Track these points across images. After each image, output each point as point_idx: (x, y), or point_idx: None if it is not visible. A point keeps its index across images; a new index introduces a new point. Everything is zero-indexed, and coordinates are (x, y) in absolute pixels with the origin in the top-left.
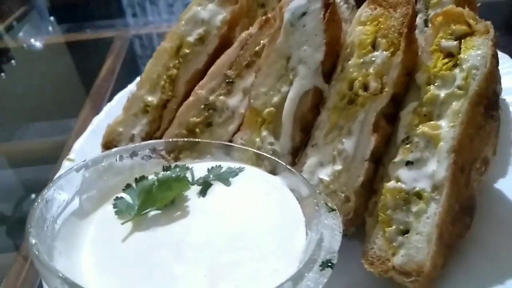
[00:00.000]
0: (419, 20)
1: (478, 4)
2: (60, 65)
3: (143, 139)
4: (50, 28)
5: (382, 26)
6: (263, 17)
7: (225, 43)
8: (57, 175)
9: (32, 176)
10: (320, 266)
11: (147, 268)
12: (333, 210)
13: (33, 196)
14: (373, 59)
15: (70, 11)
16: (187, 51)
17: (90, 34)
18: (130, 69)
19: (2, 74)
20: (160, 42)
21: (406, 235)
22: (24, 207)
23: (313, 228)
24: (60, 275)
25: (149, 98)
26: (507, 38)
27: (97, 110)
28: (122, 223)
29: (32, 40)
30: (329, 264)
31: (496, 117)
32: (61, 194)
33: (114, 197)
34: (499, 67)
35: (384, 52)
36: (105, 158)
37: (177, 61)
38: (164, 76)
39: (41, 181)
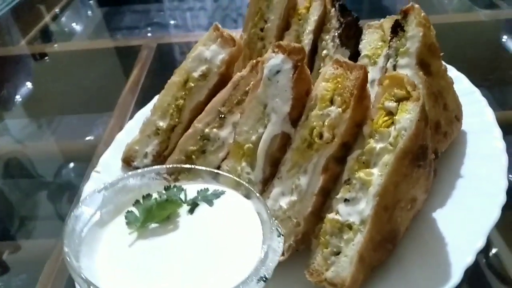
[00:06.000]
0: (389, 65)
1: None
2: (88, 70)
3: (154, 157)
4: (90, 13)
5: (339, 85)
6: (253, 61)
7: (223, 79)
8: (86, 185)
9: (68, 172)
10: (257, 280)
11: (143, 267)
12: (280, 235)
13: (67, 188)
14: (329, 113)
15: None
16: (192, 85)
17: (120, 42)
18: (154, 79)
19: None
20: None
21: (337, 256)
22: (62, 202)
23: (263, 248)
24: (82, 276)
25: (160, 123)
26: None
27: (122, 120)
28: (130, 233)
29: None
30: (264, 279)
31: (424, 165)
32: (86, 210)
33: (126, 211)
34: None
35: (338, 108)
36: (120, 181)
37: (183, 93)
38: (173, 105)
39: (77, 175)
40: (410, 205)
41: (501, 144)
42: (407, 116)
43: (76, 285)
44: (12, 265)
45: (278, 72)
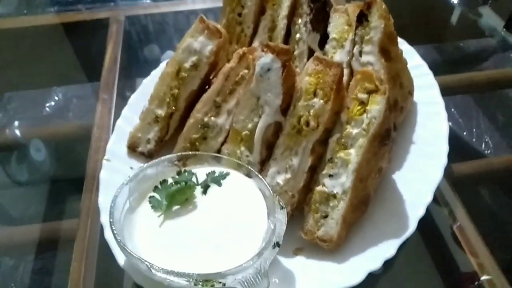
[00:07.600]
0: (356, 50)
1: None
2: (57, 47)
3: (156, 142)
4: None
5: (320, 80)
6: (240, 52)
7: (213, 68)
8: (101, 174)
9: (71, 155)
10: (273, 246)
11: (176, 243)
12: (282, 207)
13: (71, 169)
14: (313, 104)
15: None
16: (185, 74)
17: (85, 15)
18: (130, 55)
19: None
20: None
21: (325, 219)
22: (71, 183)
23: (271, 220)
24: (142, 260)
25: (158, 111)
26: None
27: (110, 102)
28: (158, 216)
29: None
30: (278, 244)
31: (388, 143)
32: (120, 201)
33: (148, 196)
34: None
35: (321, 100)
36: (141, 172)
37: (177, 83)
38: (168, 94)
39: (80, 158)
40: (378, 174)
41: (443, 114)
42: (377, 107)
43: (124, 266)
44: (39, 246)
45: (268, 70)
